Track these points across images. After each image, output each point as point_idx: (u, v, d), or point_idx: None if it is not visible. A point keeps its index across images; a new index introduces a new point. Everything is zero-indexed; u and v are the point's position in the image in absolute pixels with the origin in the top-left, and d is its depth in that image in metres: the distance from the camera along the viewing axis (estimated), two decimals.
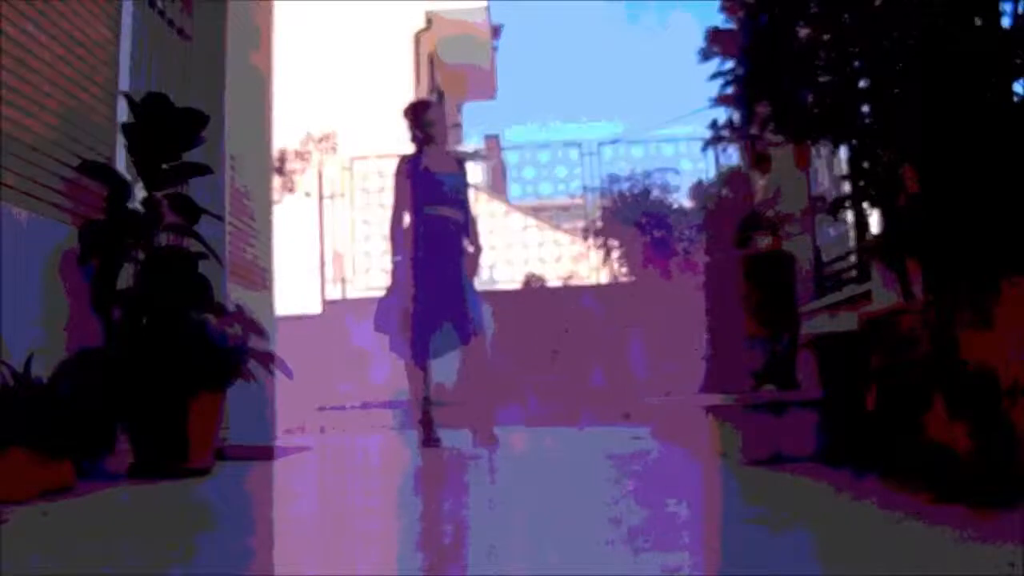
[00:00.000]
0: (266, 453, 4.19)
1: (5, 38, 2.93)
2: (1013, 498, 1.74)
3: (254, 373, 3.62)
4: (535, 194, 8.83)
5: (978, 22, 2.30)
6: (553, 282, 7.56)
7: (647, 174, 7.59)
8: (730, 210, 3.27)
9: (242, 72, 5.47)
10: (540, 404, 6.85)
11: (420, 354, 4.58)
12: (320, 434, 7.16)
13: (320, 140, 11.04)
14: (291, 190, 10.75)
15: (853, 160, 2.78)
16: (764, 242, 3.49)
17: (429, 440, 4.54)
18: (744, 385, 2.93)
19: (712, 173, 7.05)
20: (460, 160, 5.23)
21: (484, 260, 7.88)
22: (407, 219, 4.75)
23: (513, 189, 10.49)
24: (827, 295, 5.25)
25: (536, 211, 11.04)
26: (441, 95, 15.84)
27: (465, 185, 4.87)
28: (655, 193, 7.41)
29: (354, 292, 8.07)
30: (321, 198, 8.31)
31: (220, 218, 4.36)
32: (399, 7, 13.43)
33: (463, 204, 4.80)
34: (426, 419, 4.59)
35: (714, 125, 2.81)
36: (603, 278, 7.68)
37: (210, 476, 3.27)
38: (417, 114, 4.90)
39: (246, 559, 1.61)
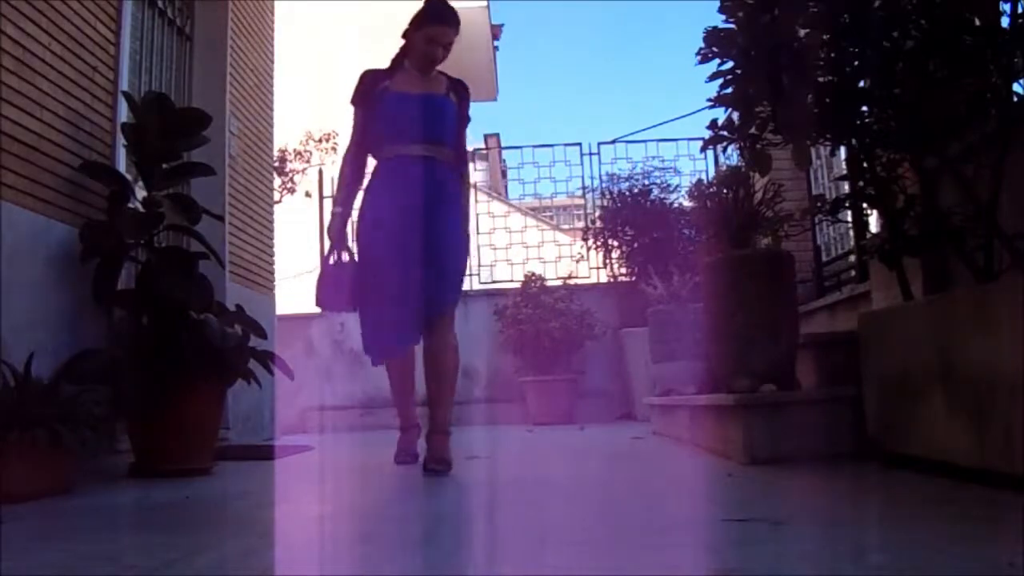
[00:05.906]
0: (266, 453, 4.19)
1: (5, 38, 2.93)
2: (1012, 498, 1.75)
3: (254, 373, 3.62)
4: (535, 194, 8.81)
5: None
6: (553, 282, 7.53)
7: (647, 174, 7.58)
8: (730, 210, 3.26)
9: (242, 72, 5.47)
10: (540, 403, 6.84)
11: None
12: (320, 434, 7.15)
13: (320, 140, 11.05)
14: (291, 190, 10.75)
15: (852, 160, 2.78)
16: (764, 242, 3.50)
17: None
18: (744, 385, 2.93)
19: (712, 173, 7.05)
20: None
21: (485, 260, 7.96)
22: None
23: (513, 189, 10.47)
24: (827, 295, 5.26)
25: (536, 211, 11.04)
26: None
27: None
28: (655, 193, 7.40)
29: None
30: (321, 198, 8.29)
31: (220, 218, 4.36)
32: (399, 7, 13.39)
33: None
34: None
35: (713, 125, 2.81)
36: (603, 278, 7.67)
37: (210, 476, 3.27)
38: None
39: (246, 559, 1.61)
